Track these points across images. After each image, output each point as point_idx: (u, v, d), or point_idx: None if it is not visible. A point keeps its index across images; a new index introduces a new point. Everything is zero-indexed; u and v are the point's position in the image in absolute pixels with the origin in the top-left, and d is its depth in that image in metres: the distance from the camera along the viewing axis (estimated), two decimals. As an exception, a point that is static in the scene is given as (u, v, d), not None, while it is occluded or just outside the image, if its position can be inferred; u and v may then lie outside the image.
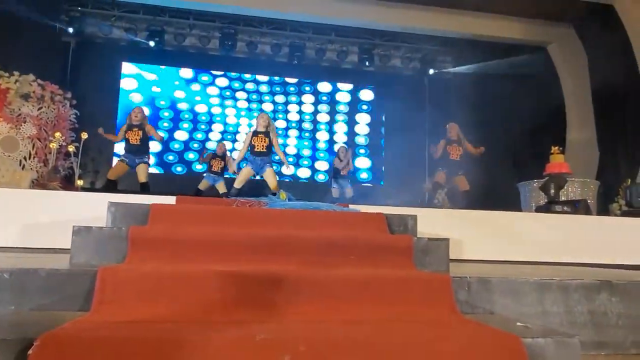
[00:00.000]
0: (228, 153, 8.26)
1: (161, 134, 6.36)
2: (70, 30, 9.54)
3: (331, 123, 11.37)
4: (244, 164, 5.80)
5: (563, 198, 5.81)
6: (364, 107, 11.59)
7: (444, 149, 6.76)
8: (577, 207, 5.13)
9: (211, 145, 10.21)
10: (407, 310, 1.97)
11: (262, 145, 5.56)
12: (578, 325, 2.17)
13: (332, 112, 11.42)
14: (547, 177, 5.57)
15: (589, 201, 6.13)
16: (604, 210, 7.03)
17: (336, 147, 9.76)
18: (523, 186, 7.47)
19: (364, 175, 11.13)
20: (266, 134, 5.59)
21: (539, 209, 5.57)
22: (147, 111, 10.23)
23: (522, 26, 9.47)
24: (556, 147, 5.88)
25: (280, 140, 10.56)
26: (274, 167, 5.92)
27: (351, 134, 11.40)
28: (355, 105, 11.54)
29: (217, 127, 10.78)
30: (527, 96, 8.96)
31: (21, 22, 8.27)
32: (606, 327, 2.19)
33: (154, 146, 9.36)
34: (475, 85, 9.60)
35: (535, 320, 2.09)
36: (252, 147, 5.60)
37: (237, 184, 5.69)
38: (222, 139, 10.40)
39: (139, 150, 6.07)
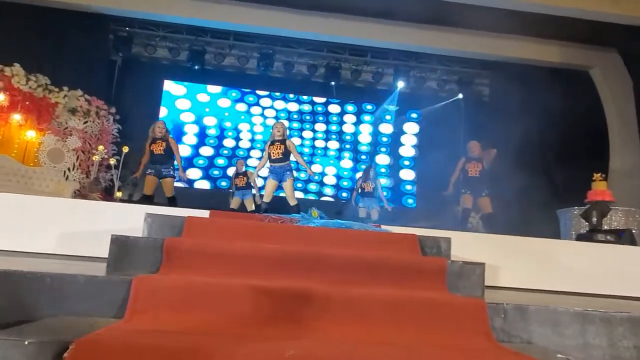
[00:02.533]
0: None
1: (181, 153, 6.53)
2: (118, 49, 10.01)
3: (371, 144, 11.40)
4: (267, 177, 5.87)
5: (606, 227, 5.57)
6: (396, 128, 11.56)
7: (462, 166, 6.58)
8: (622, 236, 4.88)
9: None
10: (440, 335, 1.91)
11: (278, 152, 5.64)
12: (623, 361, 2.05)
13: (366, 132, 11.45)
14: (589, 204, 5.36)
15: (634, 231, 5.84)
16: (650, 241, 6.68)
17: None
18: (563, 213, 7.21)
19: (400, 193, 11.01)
20: (282, 141, 5.67)
21: (581, 238, 5.34)
22: (196, 129, 10.67)
23: (563, 50, 9.27)
24: (598, 174, 5.67)
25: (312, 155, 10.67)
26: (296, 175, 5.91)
27: (377, 153, 11.38)
28: (386, 126, 11.54)
29: (246, 145, 10.97)
30: (568, 121, 8.71)
31: (72, 41, 8.75)
32: (654, 365, 2.05)
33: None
34: (512, 108, 9.43)
35: (576, 353, 1.98)
36: (269, 157, 5.70)
37: (266, 198, 5.74)
38: (247, 156, 10.60)
39: (163, 161, 6.20)
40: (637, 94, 8.48)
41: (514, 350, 1.81)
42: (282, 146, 5.64)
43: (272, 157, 5.67)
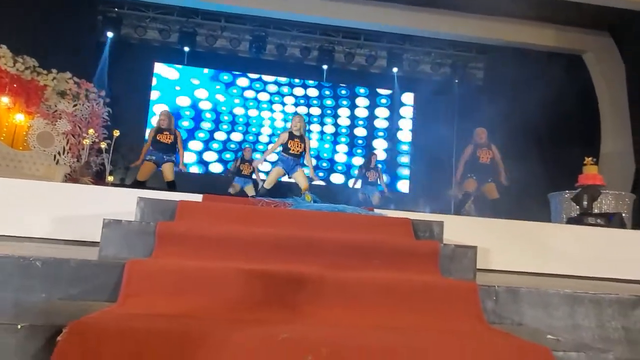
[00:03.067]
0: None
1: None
2: (107, 31, 9.82)
3: (353, 127, 11.38)
4: (275, 164, 5.77)
5: (596, 210, 5.62)
6: (390, 112, 11.53)
7: (473, 153, 6.43)
8: (612, 220, 4.94)
9: (234, 143, 10.38)
10: (432, 318, 1.93)
11: (297, 149, 5.56)
12: (611, 341, 2.08)
13: (353, 117, 11.41)
14: (579, 188, 5.40)
15: (623, 215, 5.91)
16: (639, 224, 6.77)
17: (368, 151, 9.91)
18: (554, 197, 7.27)
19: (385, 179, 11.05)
20: (301, 138, 5.60)
21: (571, 221, 5.40)
22: (191, 113, 10.56)
23: (557, 33, 9.24)
24: (590, 158, 5.70)
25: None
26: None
27: (373, 138, 11.37)
28: (380, 110, 11.50)
29: (243, 128, 10.93)
30: (561, 105, 8.72)
31: (59, 22, 8.56)
32: (642, 345, 2.09)
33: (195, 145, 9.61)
34: (506, 92, 9.41)
35: (565, 334, 2.01)
36: (286, 148, 5.57)
37: (267, 185, 5.65)
38: (245, 140, 10.56)
39: (168, 149, 6.16)
40: (629, 78, 8.49)
41: (505, 331, 1.84)
42: (302, 144, 5.57)
43: (291, 152, 5.54)
